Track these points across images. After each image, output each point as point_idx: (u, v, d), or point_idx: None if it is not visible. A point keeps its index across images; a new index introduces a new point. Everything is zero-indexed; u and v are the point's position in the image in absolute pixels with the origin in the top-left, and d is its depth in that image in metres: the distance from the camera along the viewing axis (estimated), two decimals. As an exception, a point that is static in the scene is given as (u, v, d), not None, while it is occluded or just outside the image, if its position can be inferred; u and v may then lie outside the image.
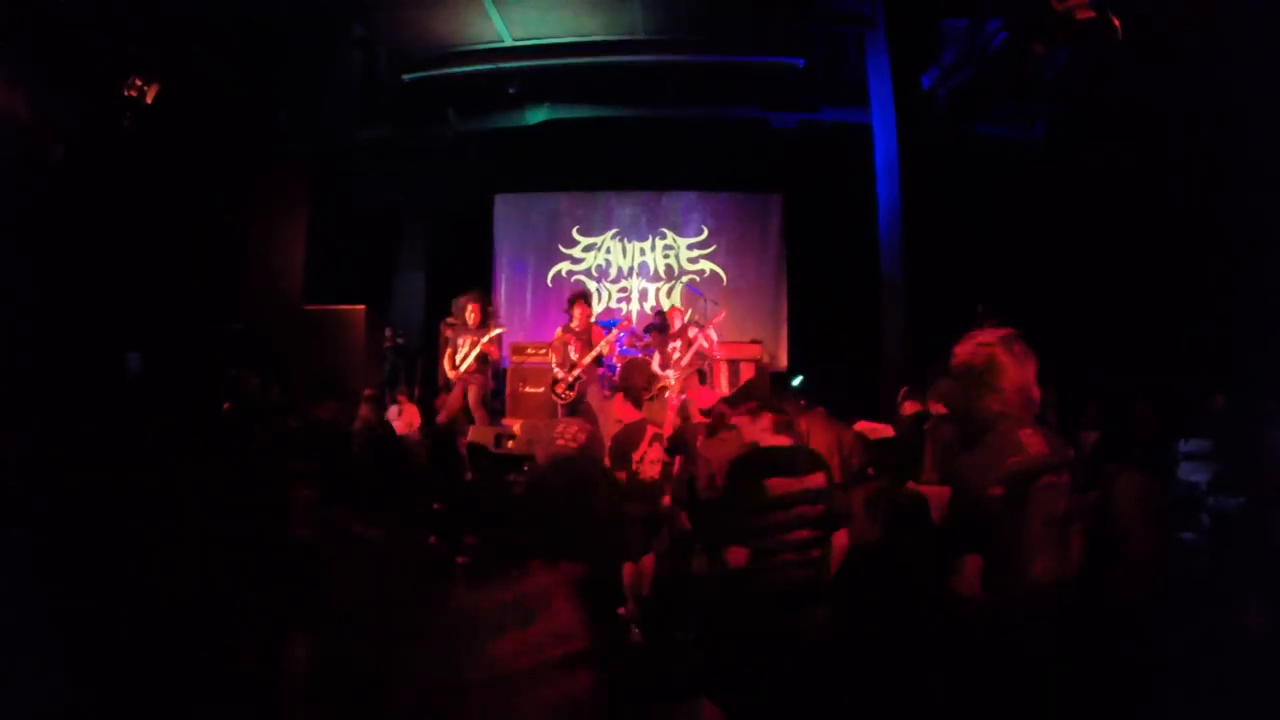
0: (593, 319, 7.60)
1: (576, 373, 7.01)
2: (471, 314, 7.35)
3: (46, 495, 2.95)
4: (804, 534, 3.02)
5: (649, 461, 4.84)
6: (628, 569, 4.78)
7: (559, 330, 7.41)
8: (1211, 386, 5.39)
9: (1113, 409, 4.81)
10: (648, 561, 5.07)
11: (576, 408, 7.04)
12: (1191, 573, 2.85)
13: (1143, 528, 2.54)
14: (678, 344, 7.45)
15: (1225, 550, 3.32)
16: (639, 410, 5.07)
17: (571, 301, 7.26)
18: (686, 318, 8.05)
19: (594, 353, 7.04)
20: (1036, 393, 2.04)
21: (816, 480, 3.08)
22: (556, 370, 7.21)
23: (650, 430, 4.97)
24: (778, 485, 3.02)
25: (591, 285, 10.81)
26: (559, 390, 7.12)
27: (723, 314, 8.21)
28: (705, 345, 7.47)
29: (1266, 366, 5.00)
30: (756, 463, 3.16)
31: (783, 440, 3.25)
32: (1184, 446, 4.85)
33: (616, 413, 5.47)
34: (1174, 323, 6.33)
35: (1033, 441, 1.96)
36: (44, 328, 5.57)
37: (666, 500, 5.01)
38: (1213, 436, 4.75)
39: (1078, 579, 1.99)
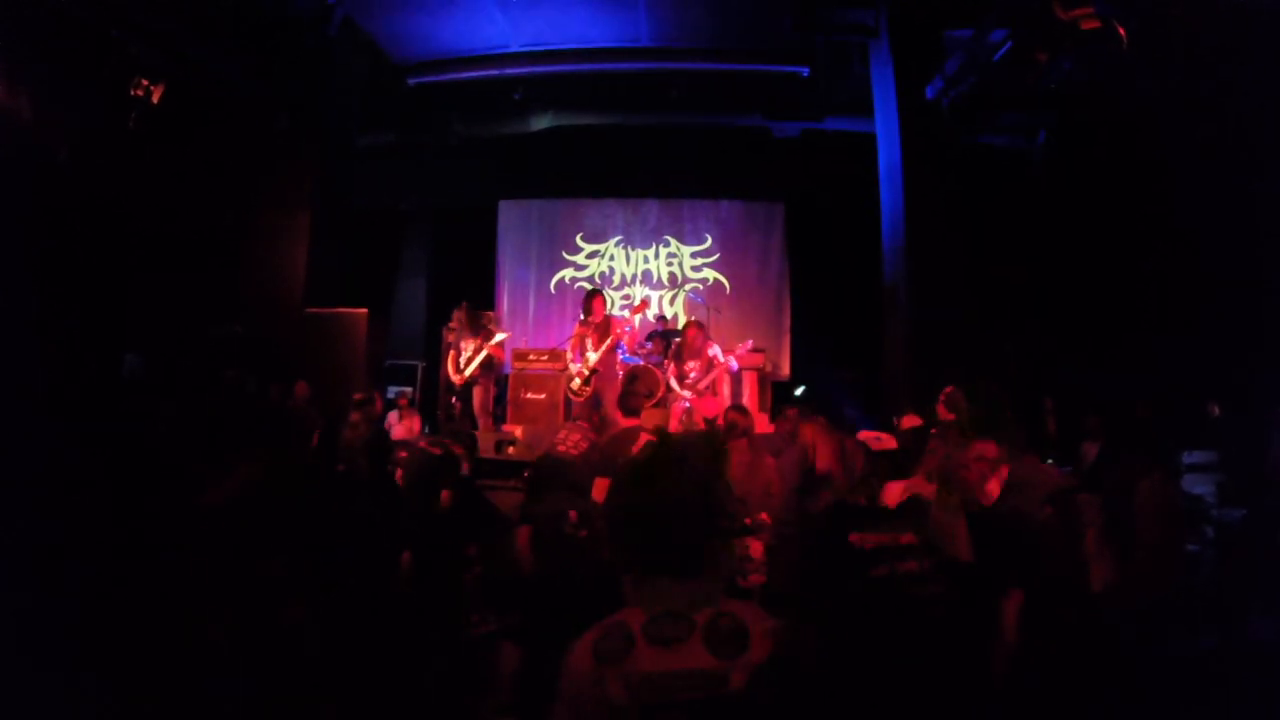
0: (608, 312, 7.38)
1: (593, 364, 6.75)
2: (462, 320, 7.40)
3: (43, 495, 2.93)
4: None
5: (638, 469, 4.74)
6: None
7: (576, 326, 7.18)
8: (1212, 392, 5.37)
9: (1116, 417, 4.79)
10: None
11: (592, 409, 6.68)
12: (1197, 583, 2.82)
13: (1162, 534, 2.49)
14: (695, 364, 7.20)
15: (1231, 561, 3.29)
16: (635, 417, 4.99)
17: (588, 298, 7.02)
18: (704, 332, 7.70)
19: (609, 341, 6.77)
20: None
21: None
22: (571, 366, 6.97)
23: (643, 437, 4.89)
24: None
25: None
26: (574, 387, 6.87)
27: (749, 343, 8.06)
28: (719, 365, 7.21)
29: (1270, 372, 4.97)
30: None
31: None
32: (1187, 458, 4.82)
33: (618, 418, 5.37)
34: (1175, 329, 6.31)
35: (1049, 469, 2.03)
36: (45, 326, 5.57)
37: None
38: (1215, 447, 4.71)
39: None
